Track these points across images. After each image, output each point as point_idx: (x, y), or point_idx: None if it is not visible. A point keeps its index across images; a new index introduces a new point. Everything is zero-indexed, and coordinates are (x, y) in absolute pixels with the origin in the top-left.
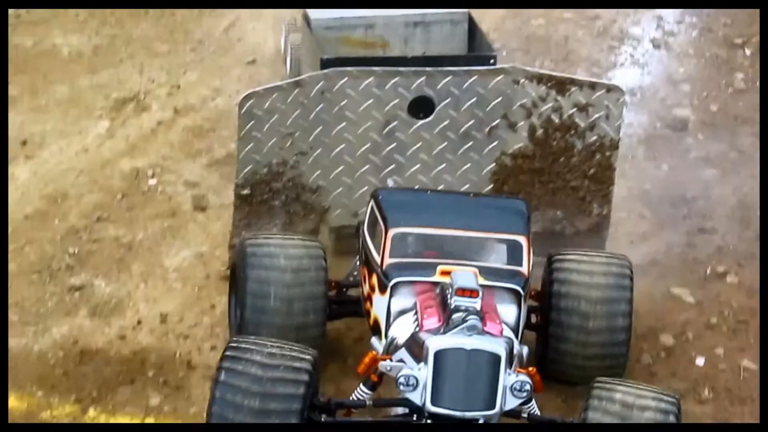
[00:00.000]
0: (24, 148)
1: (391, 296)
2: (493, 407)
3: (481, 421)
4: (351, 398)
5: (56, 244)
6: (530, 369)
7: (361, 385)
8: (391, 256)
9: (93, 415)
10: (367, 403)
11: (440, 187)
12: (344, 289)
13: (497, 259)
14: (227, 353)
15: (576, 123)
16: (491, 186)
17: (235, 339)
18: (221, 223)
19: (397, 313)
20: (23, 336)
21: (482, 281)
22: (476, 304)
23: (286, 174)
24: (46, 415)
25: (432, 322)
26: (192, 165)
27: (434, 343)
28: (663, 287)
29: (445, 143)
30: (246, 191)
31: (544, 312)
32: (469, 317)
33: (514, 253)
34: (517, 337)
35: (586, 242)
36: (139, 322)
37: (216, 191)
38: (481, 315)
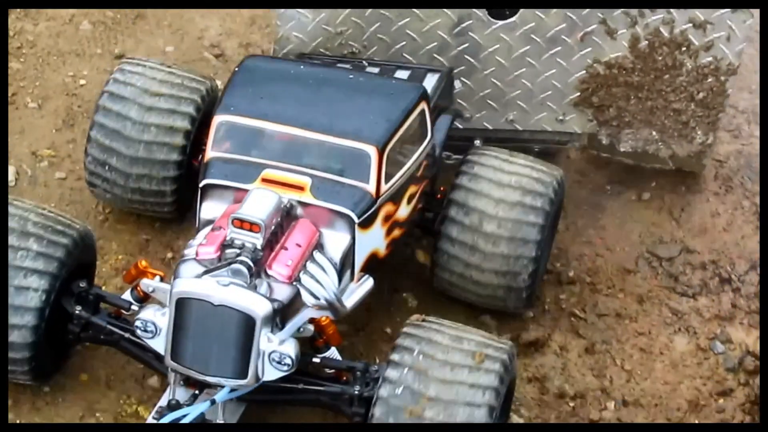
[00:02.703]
0: None
1: (201, 200)
2: (245, 376)
3: (228, 388)
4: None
5: None
6: (323, 319)
7: (129, 293)
8: (213, 149)
9: None
10: (133, 307)
11: (516, 93)
12: None
13: (340, 171)
14: None
15: (689, 40)
16: (578, 95)
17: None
18: None
19: (206, 221)
20: None
21: (308, 198)
22: (257, 240)
23: None
24: None
25: (208, 251)
26: None
27: (178, 287)
28: None
29: (528, 47)
30: None
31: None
32: (240, 257)
33: (359, 165)
34: (345, 272)
35: (682, 170)
36: None
37: None
38: (261, 255)
